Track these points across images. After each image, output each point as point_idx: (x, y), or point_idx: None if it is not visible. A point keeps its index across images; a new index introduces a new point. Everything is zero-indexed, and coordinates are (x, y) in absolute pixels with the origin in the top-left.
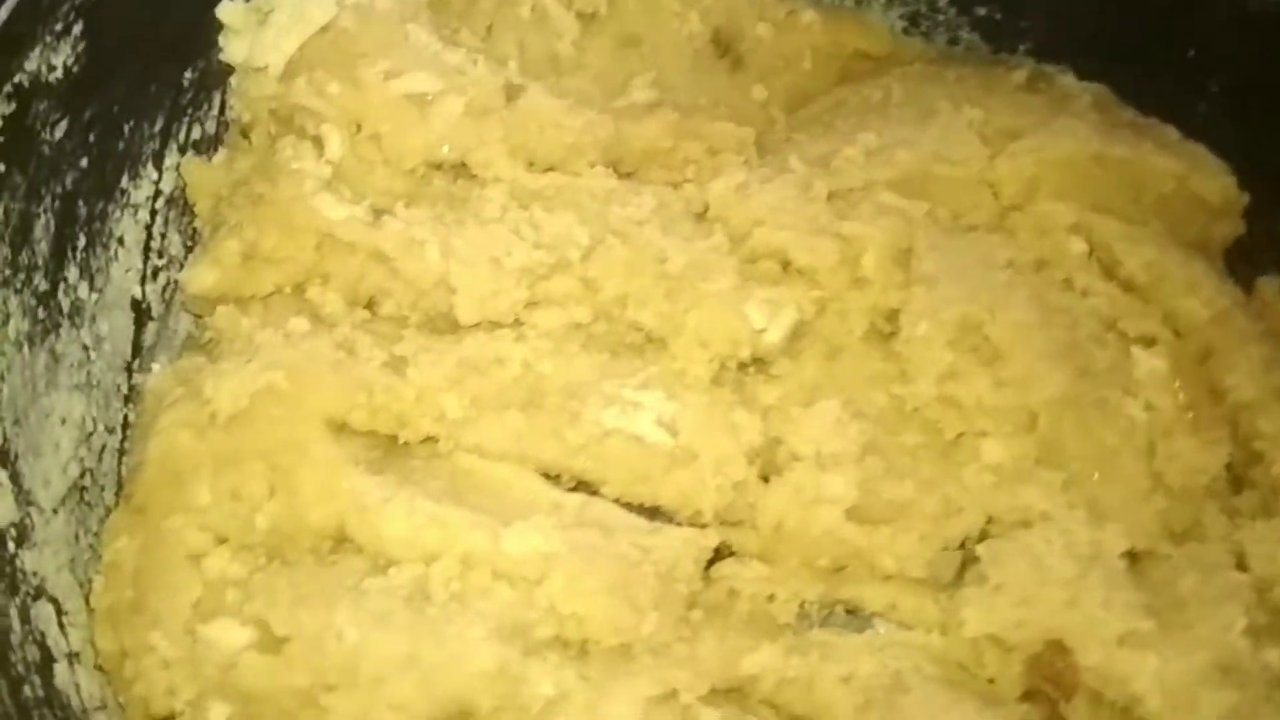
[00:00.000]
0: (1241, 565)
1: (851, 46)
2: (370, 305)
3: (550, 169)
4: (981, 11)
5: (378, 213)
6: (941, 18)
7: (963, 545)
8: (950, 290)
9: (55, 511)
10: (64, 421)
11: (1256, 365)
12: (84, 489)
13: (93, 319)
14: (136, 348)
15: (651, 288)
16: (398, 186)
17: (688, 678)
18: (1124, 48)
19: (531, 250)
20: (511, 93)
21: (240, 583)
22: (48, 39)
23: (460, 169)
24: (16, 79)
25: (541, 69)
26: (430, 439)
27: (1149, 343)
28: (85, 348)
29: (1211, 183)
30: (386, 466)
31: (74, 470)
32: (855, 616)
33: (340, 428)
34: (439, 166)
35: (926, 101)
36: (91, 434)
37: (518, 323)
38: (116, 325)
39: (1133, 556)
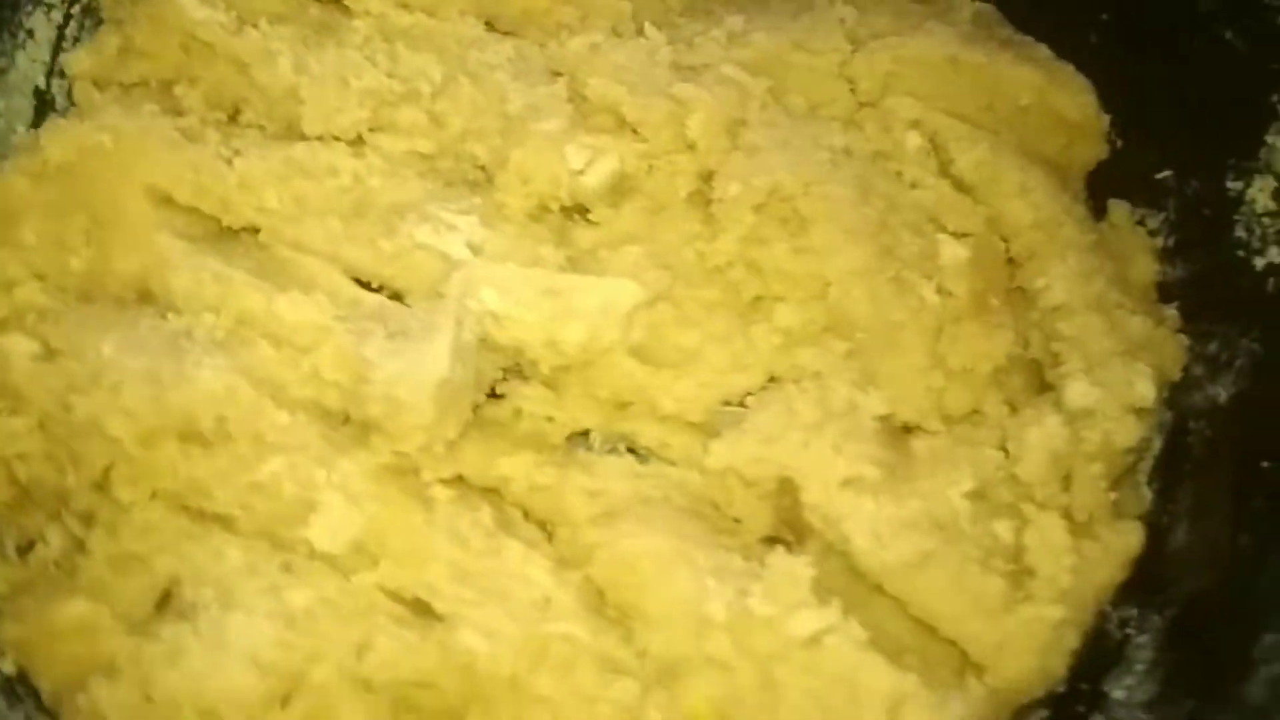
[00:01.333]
0: (1003, 450)
1: None
2: (233, 114)
3: (423, 11)
4: None
5: (242, 22)
6: None
7: (743, 403)
8: (770, 159)
9: None
10: None
11: (1074, 272)
12: None
13: None
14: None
15: (489, 126)
16: (271, 6)
17: (433, 461)
18: None
19: (383, 77)
20: None
21: (42, 311)
22: None
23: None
24: None
25: None
26: (252, 228)
27: (961, 235)
28: None
29: (1070, 99)
30: (202, 240)
31: None
32: (635, 455)
33: (163, 199)
34: None
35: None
36: None
37: (359, 141)
38: (15, 106)
39: (903, 429)
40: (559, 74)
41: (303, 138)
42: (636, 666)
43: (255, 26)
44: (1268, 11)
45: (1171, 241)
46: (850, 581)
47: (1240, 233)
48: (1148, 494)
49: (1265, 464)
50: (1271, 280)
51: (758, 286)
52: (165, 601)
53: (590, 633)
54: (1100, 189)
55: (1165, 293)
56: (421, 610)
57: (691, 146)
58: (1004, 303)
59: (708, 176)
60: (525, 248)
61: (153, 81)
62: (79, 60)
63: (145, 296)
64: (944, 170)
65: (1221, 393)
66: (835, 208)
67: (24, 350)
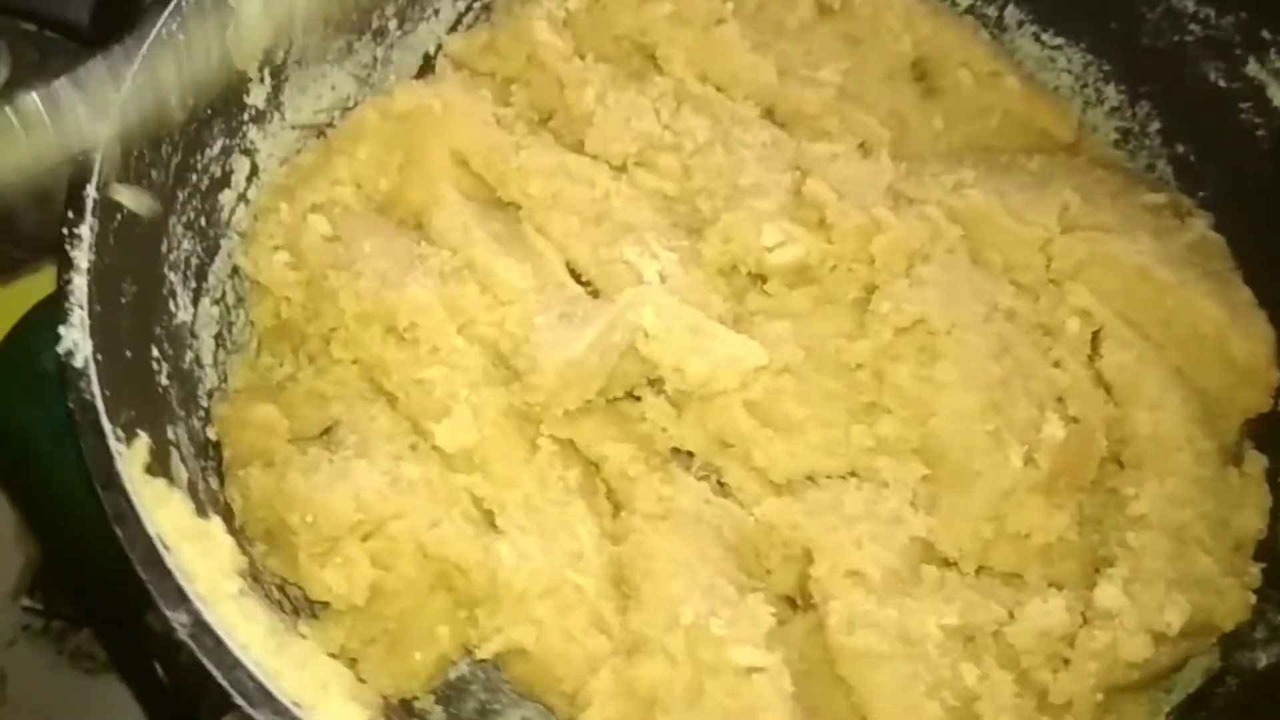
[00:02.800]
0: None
1: (1041, 124)
2: (545, 118)
3: (717, 86)
4: (1180, 149)
5: (576, 53)
6: (1148, 142)
7: (817, 480)
8: (929, 294)
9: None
10: (333, 88)
11: (1167, 495)
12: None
13: (390, 47)
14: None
15: (720, 190)
16: (604, 47)
17: (551, 420)
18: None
19: (659, 127)
20: (721, 19)
21: (346, 207)
22: None
23: (643, 52)
24: None
25: (768, 29)
26: (515, 205)
27: (1071, 421)
28: (375, 59)
29: (1246, 344)
30: (475, 200)
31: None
32: (720, 487)
33: (461, 160)
34: (640, 49)
35: (1050, 178)
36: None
37: (623, 168)
38: (406, 62)
39: (936, 559)
40: (797, 168)
41: (583, 152)
42: (616, 632)
43: (583, 58)
44: None
45: None
46: (820, 655)
47: None
48: None
49: None
50: None
51: (874, 394)
52: (326, 433)
53: (597, 592)
54: (1269, 439)
55: (1273, 555)
56: (487, 519)
57: (870, 261)
58: (1079, 491)
59: (872, 289)
60: (701, 292)
61: (498, 76)
62: (453, 42)
63: (417, 225)
64: (1091, 361)
65: (1263, 658)
66: (966, 353)
67: (320, 229)
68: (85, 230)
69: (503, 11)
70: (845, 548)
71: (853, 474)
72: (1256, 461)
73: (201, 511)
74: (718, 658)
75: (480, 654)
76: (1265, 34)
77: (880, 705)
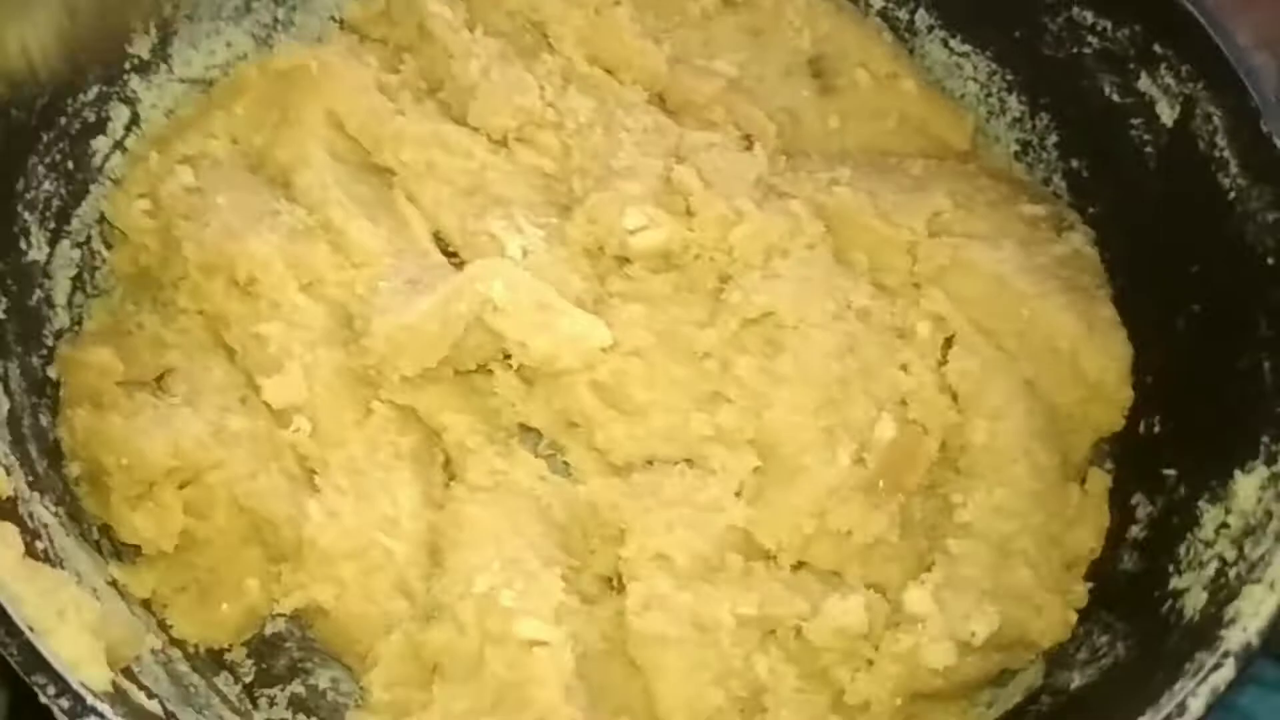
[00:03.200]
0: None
1: (936, 130)
2: (435, 89)
3: (606, 69)
4: (1074, 163)
5: (467, 25)
6: (1045, 155)
7: (651, 462)
8: (781, 288)
9: None
10: (229, 45)
11: (994, 506)
12: None
13: (291, 8)
14: None
15: (594, 170)
16: (497, 22)
17: (389, 386)
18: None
19: (543, 104)
20: (616, 1)
21: (215, 161)
22: None
23: (535, 30)
24: None
25: (668, 15)
26: (390, 171)
27: (906, 423)
28: (275, 20)
29: (1099, 361)
30: (345, 163)
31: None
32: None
33: (336, 123)
34: (532, 27)
35: (929, 182)
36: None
37: (503, 142)
38: (310, 27)
39: (755, 551)
40: (674, 155)
41: (465, 124)
42: (419, 599)
43: (472, 30)
44: None
45: (1144, 535)
46: (619, 637)
47: (1180, 549)
48: None
49: None
50: (1172, 600)
51: (717, 383)
52: (158, 381)
53: (406, 558)
54: (1124, 459)
55: (1106, 577)
56: (308, 477)
57: (729, 251)
58: (900, 493)
59: (727, 279)
60: (561, 270)
61: (390, 43)
62: (348, 6)
63: (286, 184)
64: (936, 366)
65: (1077, 679)
66: (809, 349)
67: (184, 179)
68: None
69: None
70: (655, 530)
71: (688, 461)
72: (1099, 480)
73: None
74: (503, 628)
75: (280, 609)
76: (1158, 48)
77: (665, 689)
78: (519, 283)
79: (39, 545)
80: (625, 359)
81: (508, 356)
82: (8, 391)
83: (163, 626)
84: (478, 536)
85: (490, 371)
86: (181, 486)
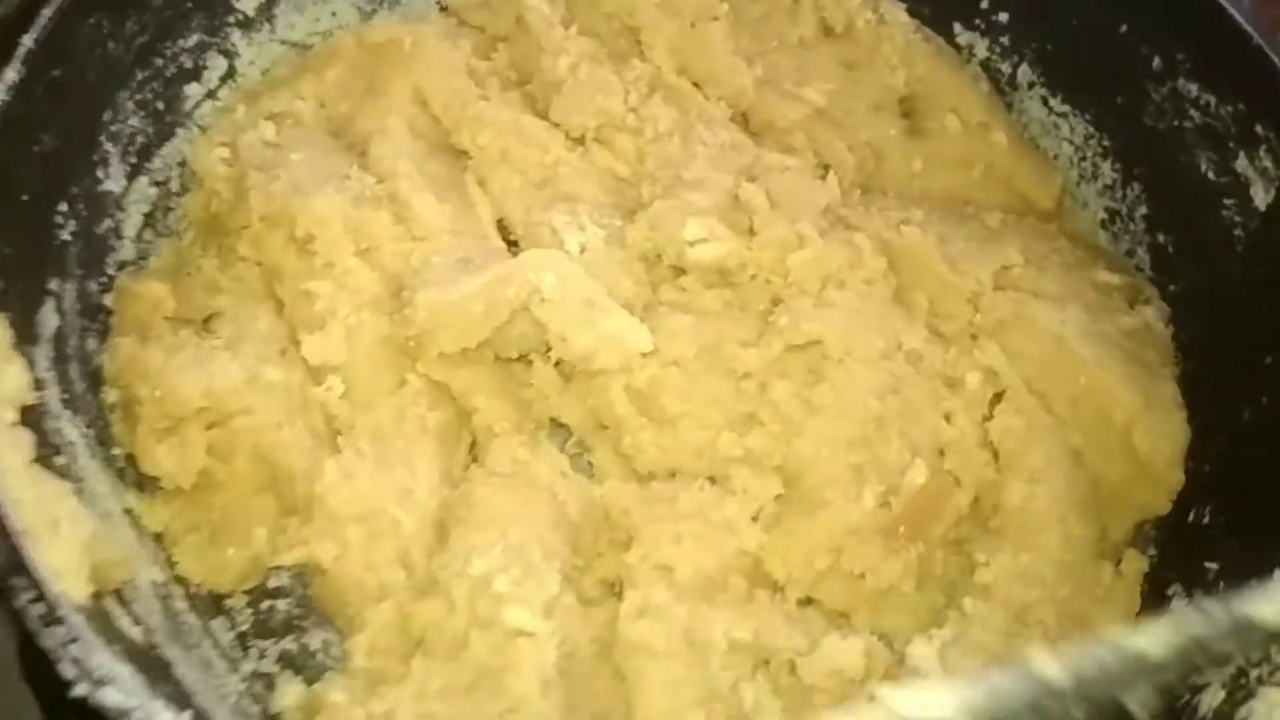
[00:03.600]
0: None
1: (1022, 186)
2: (524, 79)
3: (693, 82)
4: (1161, 238)
5: (564, 21)
6: (1133, 226)
7: (674, 474)
8: (831, 318)
9: None
10: (334, 14)
11: (1017, 573)
12: None
13: None
14: None
15: (664, 179)
16: (592, 21)
17: (425, 360)
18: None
19: (625, 108)
20: (714, 16)
21: (298, 120)
22: None
23: (629, 35)
24: None
25: (765, 38)
26: (465, 153)
27: (939, 472)
28: None
29: (1154, 440)
30: (422, 139)
31: None
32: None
33: (420, 100)
34: (626, 31)
35: (1003, 236)
36: None
37: (581, 140)
38: (413, 4)
39: (764, 579)
40: (748, 175)
41: (546, 119)
42: (419, 573)
43: (567, 28)
44: None
45: None
46: (610, 642)
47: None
48: None
49: None
50: (1190, 695)
51: (753, 404)
52: (205, 322)
53: (414, 531)
54: (1166, 546)
55: None
56: (331, 435)
57: (785, 275)
58: (920, 542)
59: (778, 302)
60: (614, 272)
61: (488, 31)
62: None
63: (360, 151)
64: (982, 421)
65: None
66: (851, 383)
67: (266, 134)
68: (11, 74)
69: None
70: (663, 541)
71: (711, 479)
72: (1136, 563)
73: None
74: (492, 613)
75: (279, 560)
76: (1259, 129)
77: (646, 701)
78: (570, 277)
79: (58, 460)
80: (664, 368)
81: (549, 349)
82: (60, 310)
83: (169, 563)
84: (486, 518)
85: (530, 362)
86: (209, 427)
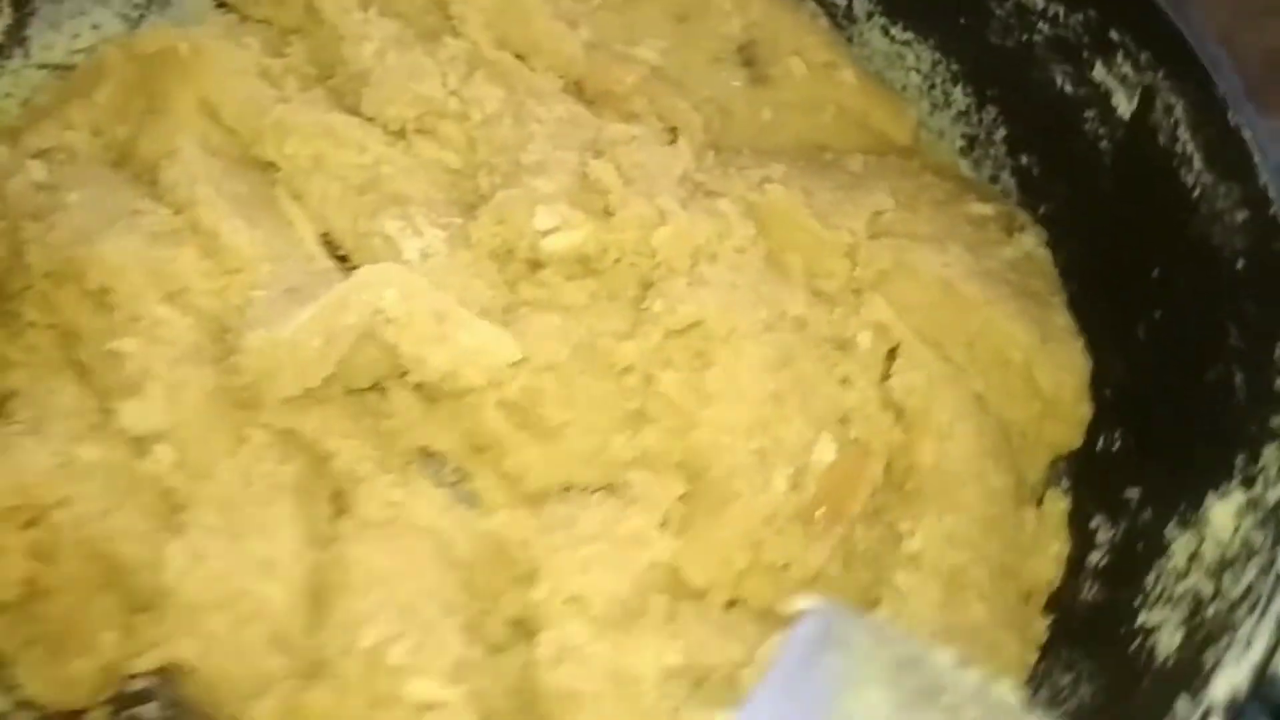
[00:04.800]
0: None
1: (877, 123)
2: (327, 75)
3: (516, 54)
4: (1024, 159)
5: (361, 5)
6: (993, 151)
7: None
8: (709, 296)
9: None
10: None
11: (945, 536)
12: None
13: None
14: None
15: (502, 166)
16: (396, 3)
17: (268, 408)
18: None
19: (446, 92)
20: None
21: (72, 153)
22: None
23: (437, 10)
24: None
25: None
26: (273, 166)
27: (847, 443)
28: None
29: (1054, 374)
30: (220, 157)
31: None
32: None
33: (211, 112)
34: (435, 6)
35: (869, 179)
36: None
37: (401, 134)
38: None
39: (683, 589)
40: (592, 149)
41: (358, 114)
42: (301, 653)
43: (366, 10)
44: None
45: (1105, 561)
46: (530, 690)
47: (1148, 580)
48: None
49: None
50: (1142, 639)
51: (641, 400)
52: (1, 405)
53: (287, 606)
54: (1083, 479)
55: (1066, 609)
56: (170, 512)
57: (651, 255)
58: (842, 522)
59: (649, 286)
60: (464, 276)
61: (275, 24)
62: None
63: (149, 180)
64: (881, 381)
65: None
66: (741, 364)
67: (35, 175)
68: None
69: None
70: (569, 571)
71: (608, 488)
72: (1057, 502)
73: None
74: (392, 689)
75: (137, 668)
76: (1114, 34)
77: None
78: (414, 290)
79: None
80: (537, 375)
81: (404, 373)
82: None
83: (9, 687)
84: (367, 580)
85: (385, 390)
86: (25, 527)
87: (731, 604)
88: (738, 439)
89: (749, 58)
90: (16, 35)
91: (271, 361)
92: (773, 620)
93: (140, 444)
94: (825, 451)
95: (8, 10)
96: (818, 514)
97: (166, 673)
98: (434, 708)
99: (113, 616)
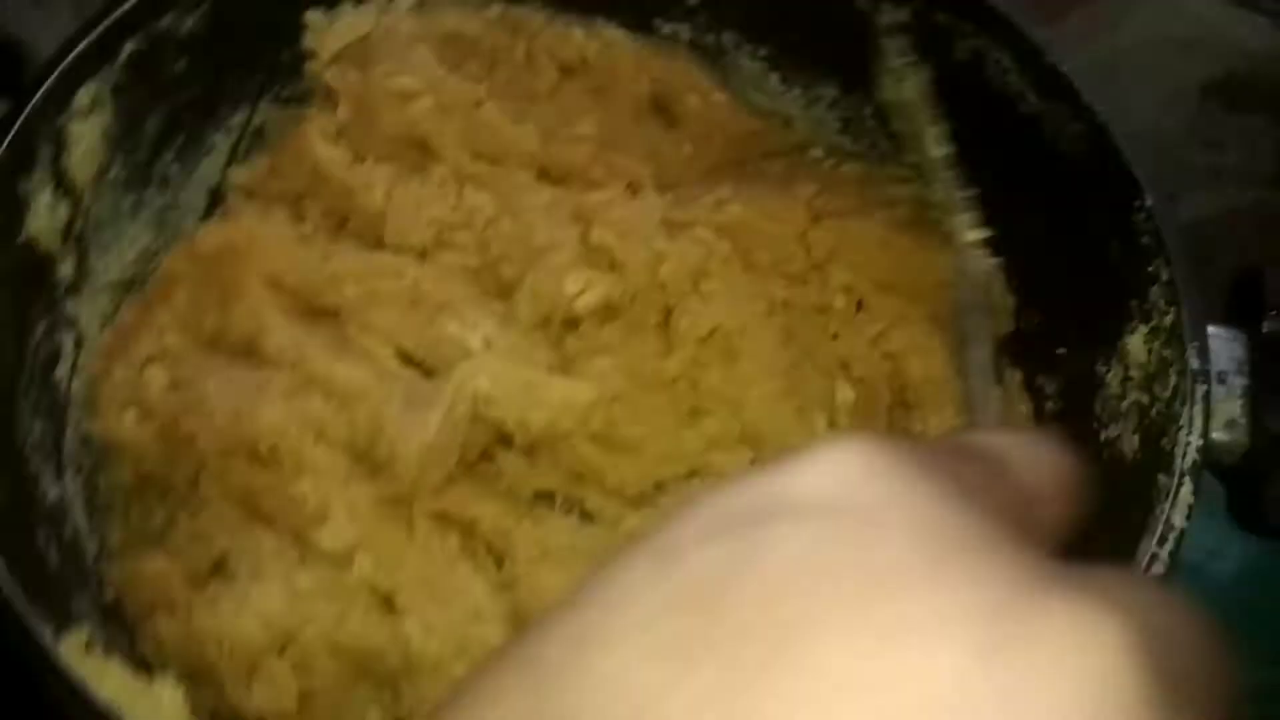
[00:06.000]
0: None
1: (765, 131)
2: (341, 225)
3: (490, 162)
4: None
5: (356, 158)
6: (868, 124)
7: (665, 486)
8: (718, 304)
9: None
10: (133, 241)
11: (948, 422)
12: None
13: (177, 191)
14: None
15: (518, 254)
16: (380, 148)
17: (421, 499)
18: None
19: (449, 210)
20: (479, 100)
21: (178, 354)
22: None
23: (417, 147)
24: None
25: (522, 97)
26: (335, 311)
27: (858, 380)
28: (165, 205)
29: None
30: (295, 315)
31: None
32: (585, 516)
33: (274, 283)
34: (414, 143)
35: (791, 178)
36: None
37: (425, 253)
38: (193, 200)
39: None
40: (579, 219)
41: (384, 247)
42: None
43: (363, 162)
44: (1139, 233)
45: (1059, 406)
46: None
47: (1096, 406)
48: None
49: None
50: (1109, 449)
51: (694, 400)
52: (216, 568)
53: (504, 638)
54: (1022, 354)
55: None
56: (386, 602)
57: (663, 287)
58: None
59: (670, 311)
60: (524, 349)
61: (288, 195)
62: (238, 175)
63: (249, 353)
64: (863, 327)
65: None
66: (760, 347)
67: (159, 381)
68: None
69: (275, 135)
70: None
71: (693, 473)
72: (1014, 376)
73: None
74: None
75: None
76: (940, 20)
77: None
78: (500, 373)
79: None
80: (609, 406)
81: (503, 438)
82: (94, 626)
83: None
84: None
85: (492, 457)
86: (282, 653)
87: None
88: (779, 404)
89: (661, 105)
90: (83, 268)
91: (425, 462)
92: None
93: (342, 559)
94: (845, 393)
95: (73, 251)
96: None
97: None
98: None
99: (372, 697)
